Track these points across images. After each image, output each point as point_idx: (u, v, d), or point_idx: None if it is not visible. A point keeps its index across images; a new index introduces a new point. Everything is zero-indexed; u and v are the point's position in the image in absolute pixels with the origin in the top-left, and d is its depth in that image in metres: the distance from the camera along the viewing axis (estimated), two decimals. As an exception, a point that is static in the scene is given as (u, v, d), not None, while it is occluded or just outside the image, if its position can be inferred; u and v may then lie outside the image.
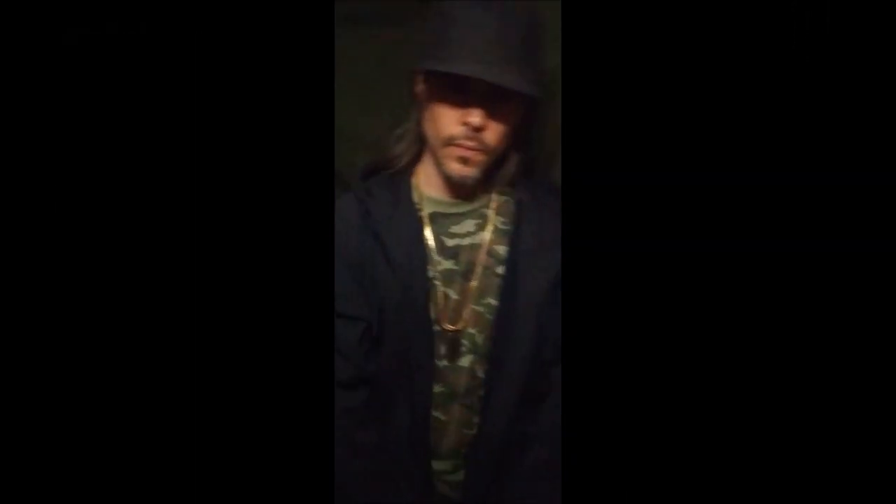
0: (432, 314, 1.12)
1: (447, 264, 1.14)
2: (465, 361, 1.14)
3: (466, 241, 1.15)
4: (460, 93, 1.07)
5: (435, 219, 1.16)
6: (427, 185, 1.18)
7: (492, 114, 1.08)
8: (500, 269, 1.14)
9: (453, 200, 1.16)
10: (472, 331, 1.13)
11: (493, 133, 1.09)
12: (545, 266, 1.13)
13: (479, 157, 1.10)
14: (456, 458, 1.15)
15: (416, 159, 1.19)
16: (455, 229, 1.16)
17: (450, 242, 1.15)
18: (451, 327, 1.12)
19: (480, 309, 1.13)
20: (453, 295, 1.13)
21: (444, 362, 1.13)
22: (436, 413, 1.13)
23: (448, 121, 1.09)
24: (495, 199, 1.17)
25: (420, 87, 1.13)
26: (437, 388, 1.13)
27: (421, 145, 1.17)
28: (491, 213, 1.16)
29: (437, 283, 1.13)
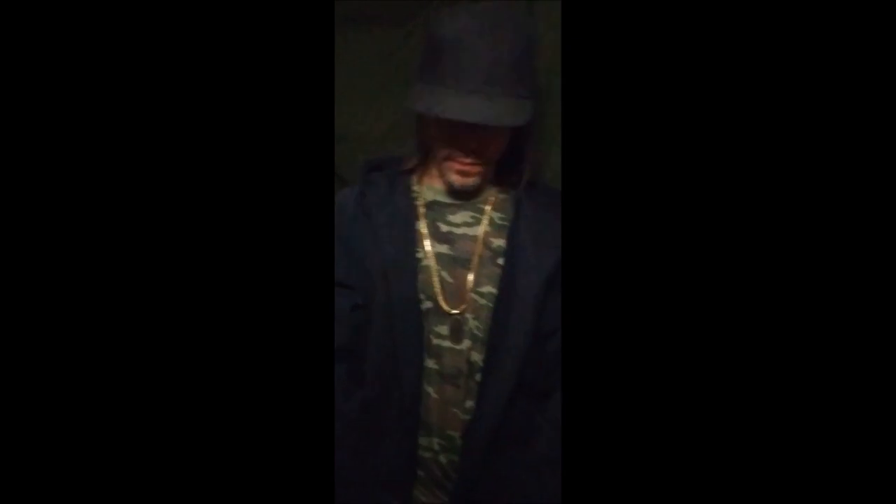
0: (424, 294, 1.17)
1: (441, 248, 1.18)
2: (463, 345, 1.16)
3: (461, 231, 1.20)
4: (455, 122, 1.10)
5: (431, 206, 1.21)
6: (429, 178, 1.23)
7: (488, 133, 1.13)
8: (499, 261, 1.17)
9: (452, 196, 1.22)
10: (469, 316, 1.16)
11: (491, 147, 1.16)
12: (541, 263, 1.16)
13: (477, 169, 1.17)
14: (444, 439, 1.16)
15: (420, 163, 1.25)
16: (451, 218, 1.20)
17: (444, 228, 1.20)
18: (452, 310, 1.16)
19: (478, 297, 1.16)
20: (448, 278, 1.17)
21: (447, 343, 1.16)
22: (428, 389, 1.16)
23: (445, 142, 1.15)
24: (493, 196, 1.21)
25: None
26: (430, 364, 1.16)
27: (424, 153, 1.23)
28: (488, 208, 1.21)
29: (429, 264, 1.18)
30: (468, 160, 1.15)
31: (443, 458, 1.16)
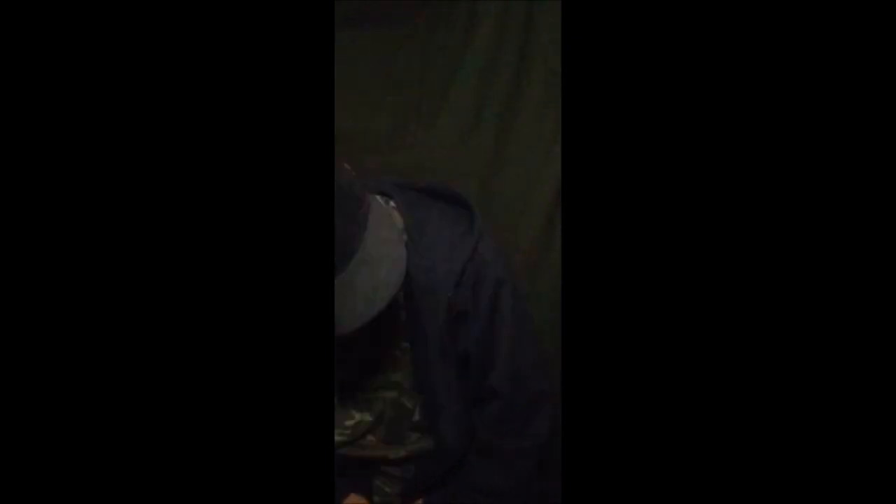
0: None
1: None
2: (390, 395, 1.18)
3: None
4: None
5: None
6: None
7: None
8: (403, 315, 1.15)
9: None
10: (388, 371, 1.17)
11: (384, 328, 1.11)
12: (439, 291, 1.11)
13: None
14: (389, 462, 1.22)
15: None
16: None
17: None
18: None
19: (396, 352, 1.17)
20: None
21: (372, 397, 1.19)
22: (370, 437, 1.20)
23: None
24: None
25: None
26: (364, 417, 1.19)
27: None
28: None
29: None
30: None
31: (392, 455, 1.21)
